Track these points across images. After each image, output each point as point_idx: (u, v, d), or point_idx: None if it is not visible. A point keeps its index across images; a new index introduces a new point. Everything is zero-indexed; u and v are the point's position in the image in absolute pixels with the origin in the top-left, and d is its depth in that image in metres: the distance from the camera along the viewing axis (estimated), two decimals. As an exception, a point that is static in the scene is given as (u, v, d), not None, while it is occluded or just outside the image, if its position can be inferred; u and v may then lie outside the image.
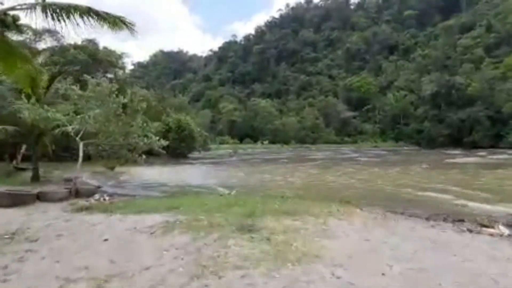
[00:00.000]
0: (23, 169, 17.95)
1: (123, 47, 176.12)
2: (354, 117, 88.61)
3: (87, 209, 6.61)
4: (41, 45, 47.51)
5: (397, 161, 33.87)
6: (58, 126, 10.23)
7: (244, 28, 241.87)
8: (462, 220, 6.72)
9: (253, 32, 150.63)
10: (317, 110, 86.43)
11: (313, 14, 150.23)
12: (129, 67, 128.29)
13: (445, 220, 6.72)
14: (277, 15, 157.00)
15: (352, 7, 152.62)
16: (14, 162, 18.18)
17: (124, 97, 9.93)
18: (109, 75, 52.02)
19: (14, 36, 32.98)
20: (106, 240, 4.99)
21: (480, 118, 65.92)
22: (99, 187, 12.03)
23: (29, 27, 46.98)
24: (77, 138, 9.35)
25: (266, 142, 76.09)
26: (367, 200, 9.68)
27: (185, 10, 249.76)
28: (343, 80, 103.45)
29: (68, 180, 14.66)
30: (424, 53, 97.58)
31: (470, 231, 5.39)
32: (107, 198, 8.87)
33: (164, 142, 11.37)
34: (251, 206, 6.78)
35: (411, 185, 14.36)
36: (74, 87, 9.71)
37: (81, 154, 9.34)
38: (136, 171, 20.61)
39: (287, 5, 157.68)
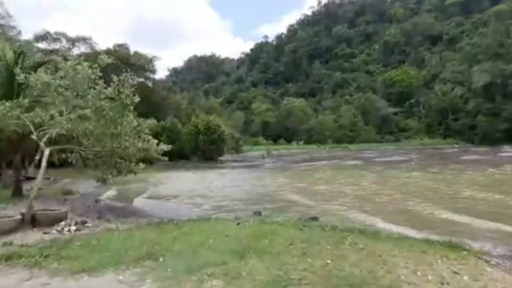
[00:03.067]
0: (31, 178, 16.47)
1: (159, 55, 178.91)
2: (396, 114, 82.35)
3: (9, 259, 4.06)
4: (75, 52, 48.05)
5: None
6: (40, 127, 7.88)
7: (274, 29, 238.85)
8: None
9: (285, 31, 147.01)
10: (354, 108, 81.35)
11: (347, 9, 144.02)
12: (165, 73, 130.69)
13: None
14: (309, 13, 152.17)
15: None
16: (24, 171, 16.59)
17: (107, 87, 7.40)
18: (139, 79, 51.67)
19: (50, 45, 31.97)
20: None
21: (544, 110, 58.30)
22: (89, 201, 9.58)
23: (63, 35, 47.52)
24: (42, 143, 6.98)
25: (301, 142, 72.43)
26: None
27: (216, 17, 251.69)
28: (382, 75, 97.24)
29: (67, 194, 12.51)
30: (473, 42, 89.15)
31: None
32: (73, 228, 6.34)
33: (166, 147, 8.76)
34: (280, 257, 3.86)
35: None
36: (42, 73, 7.30)
37: (44, 164, 6.90)
38: (155, 177, 18.39)
39: (319, 1, 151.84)
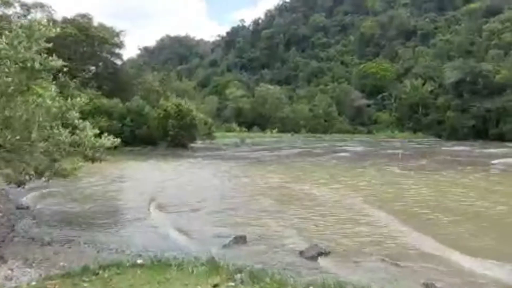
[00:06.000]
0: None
1: (131, 32, 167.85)
2: (369, 105, 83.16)
3: None
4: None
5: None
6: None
7: (251, 14, 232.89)
8: None
9: (262, 16, 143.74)
10: (329, 98, 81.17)
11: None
12: (136, 51, 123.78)
13: None
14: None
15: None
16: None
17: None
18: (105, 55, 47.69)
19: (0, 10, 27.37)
20: None
21: (509, 108, 60.43)
22: None
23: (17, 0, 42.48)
24: None
25: (275, 130, 71.35)
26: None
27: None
28: (356, 67, 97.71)
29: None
30: (446, 39, 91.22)
31: None
32: None
33: (112, 142, 6.57)
34: None
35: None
36: None
37: None
38: (114, 169, 16.21)
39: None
